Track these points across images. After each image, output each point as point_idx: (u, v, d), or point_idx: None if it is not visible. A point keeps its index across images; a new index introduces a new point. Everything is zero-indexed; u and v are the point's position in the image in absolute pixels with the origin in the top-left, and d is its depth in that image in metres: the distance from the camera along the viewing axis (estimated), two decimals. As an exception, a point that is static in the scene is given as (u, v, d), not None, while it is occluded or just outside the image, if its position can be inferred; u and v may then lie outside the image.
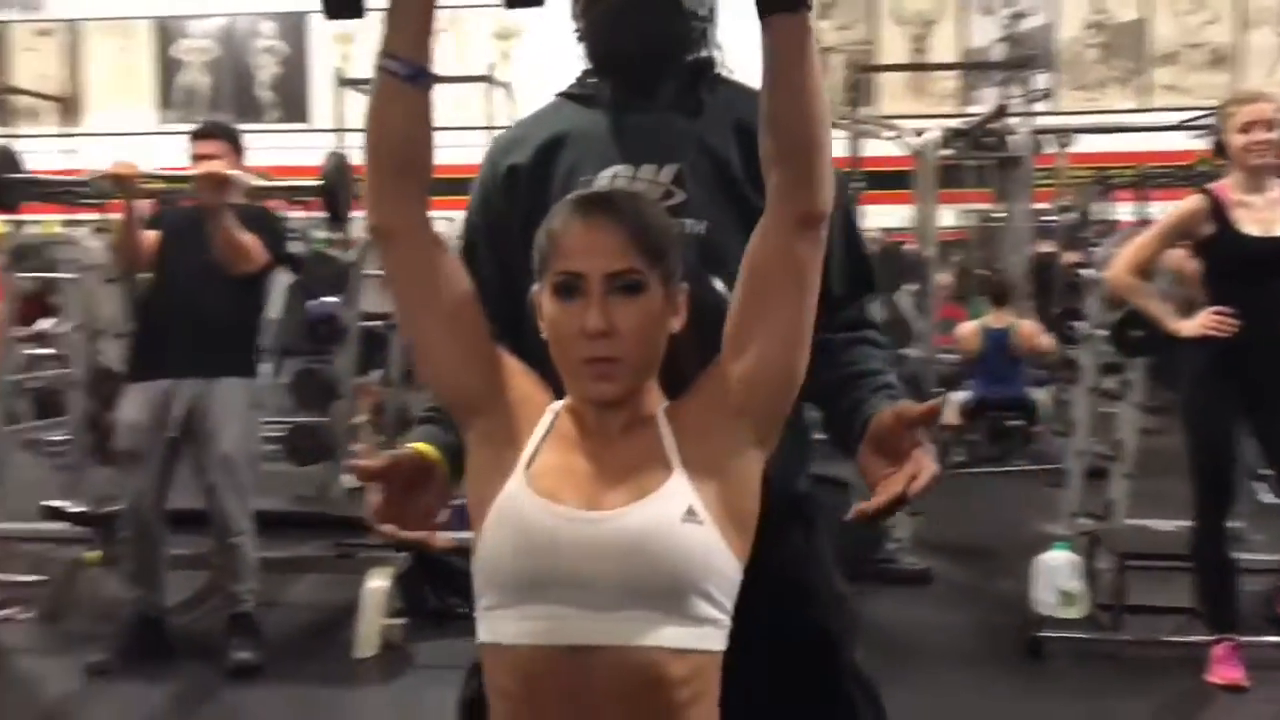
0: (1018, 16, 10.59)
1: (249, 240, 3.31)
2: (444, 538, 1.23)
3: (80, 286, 5.03)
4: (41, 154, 9.97)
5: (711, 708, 1.14)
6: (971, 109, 9.89)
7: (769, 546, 1.42)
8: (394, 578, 3.57)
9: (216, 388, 3.39)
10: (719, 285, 1.33)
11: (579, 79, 1.55)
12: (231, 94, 12.15)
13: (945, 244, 8.15)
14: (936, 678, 3.37)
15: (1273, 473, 3.50)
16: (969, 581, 4.38)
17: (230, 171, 3.29)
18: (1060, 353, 6.54)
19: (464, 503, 1.20)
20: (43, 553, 4.34)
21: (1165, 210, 3.61)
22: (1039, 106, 9.09)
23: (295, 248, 5.65)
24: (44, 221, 9.68)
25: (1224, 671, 3.16)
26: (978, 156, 7.77)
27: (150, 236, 3.43)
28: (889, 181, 8.70)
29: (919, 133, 7.26)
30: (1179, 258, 3.77)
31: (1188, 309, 3.32)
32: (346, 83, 8.95)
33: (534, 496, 1.13)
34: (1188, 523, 3.28)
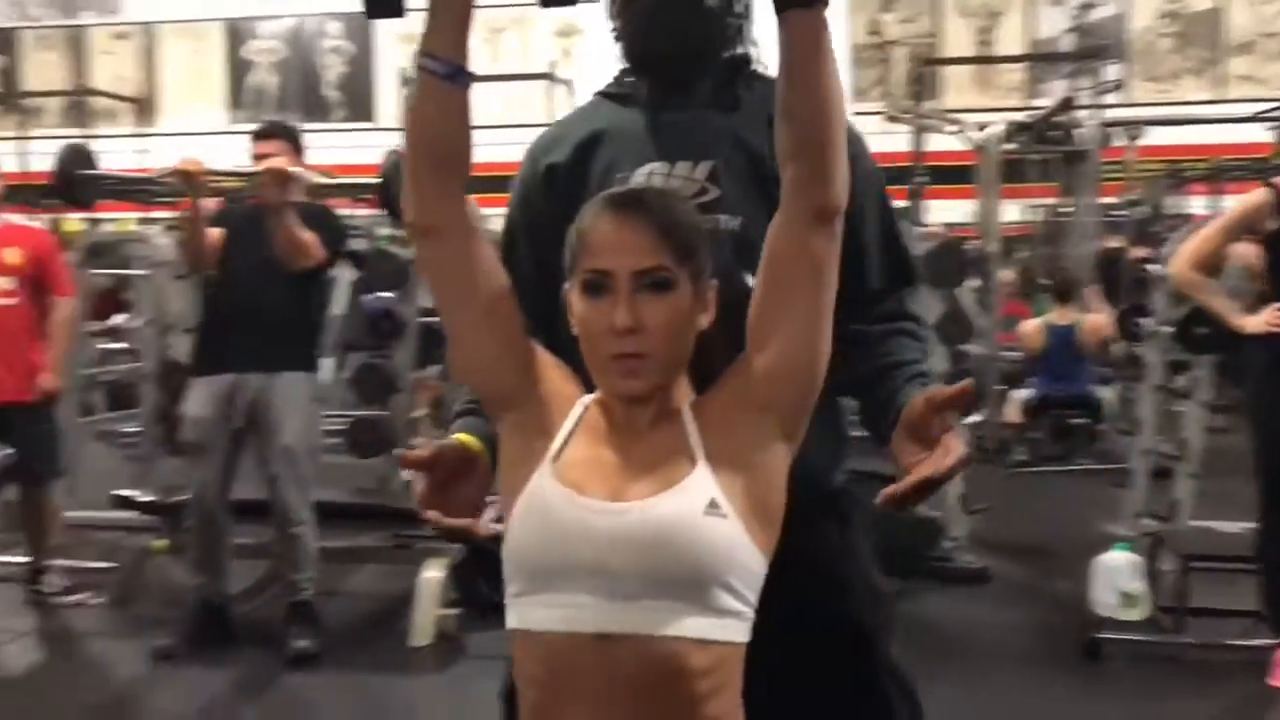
0: (1087, 6, 10.42)
1: (308, 237, 3.37)
2: (486, 526, 1.26)
3: (151, 282, 5.19)
4: (118, 154, 10.28)
5: (734, 699, 1.15)
6: (1039, 102, 9.71)
7: (803, 540, 1.43)
8: (449, 569, 3.63)
9: (278, 382, 3.46)
10: (751, 281, 1.34)
11: (616, 78, 1.57)
12: (299, 94, 12.37)
13: (1009, 239, 8.05)
14: (991, 677, 3.33)
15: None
16: (1027, 581, 4.32)
17: (291, 169, 3.36)
18: (1126, 350, 6.42)
19: None
20: (114, 540, 4.47)
21: None
22: (1109, 99, 8.94)
23: (358, 245, 5.77)
24: (120, 220, 9.96)
25: (1288, 676, 3.09)
26: (1042, 150, 7.65)
27: (214, 234, 3.50)
28: (952, 176, 8.62)
29: (982, 127, 7.18)
30: (1250, 252, 3.68)
31: (1260, 305, 3.24)
32: (411, 82, 9.06)
33: (560, 487, 1.15)
34: (1253, 524, 3.21)
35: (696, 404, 1.21)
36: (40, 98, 12.17)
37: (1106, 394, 6.52)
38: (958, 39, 11.82)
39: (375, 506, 4.26)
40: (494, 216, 1.25)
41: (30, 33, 13.03)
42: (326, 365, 5.41)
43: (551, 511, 1.14)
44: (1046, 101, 8.28)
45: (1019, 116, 7.51)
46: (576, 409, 1.23)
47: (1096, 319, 6.52)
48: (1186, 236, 3.94)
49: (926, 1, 11.81)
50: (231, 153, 3.53)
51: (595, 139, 1.50)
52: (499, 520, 1.28)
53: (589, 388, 1.24)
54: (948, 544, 4.37)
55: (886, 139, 9.21)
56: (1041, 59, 11.25)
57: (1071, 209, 7.86)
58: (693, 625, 1.10)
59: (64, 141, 4.71)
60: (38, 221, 5.85)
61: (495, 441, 1.29)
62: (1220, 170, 8.57)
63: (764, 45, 1.54)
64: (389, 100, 11.74)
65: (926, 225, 7.61)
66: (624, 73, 1.55)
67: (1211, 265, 3.29)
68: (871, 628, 1.50)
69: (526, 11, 10.43)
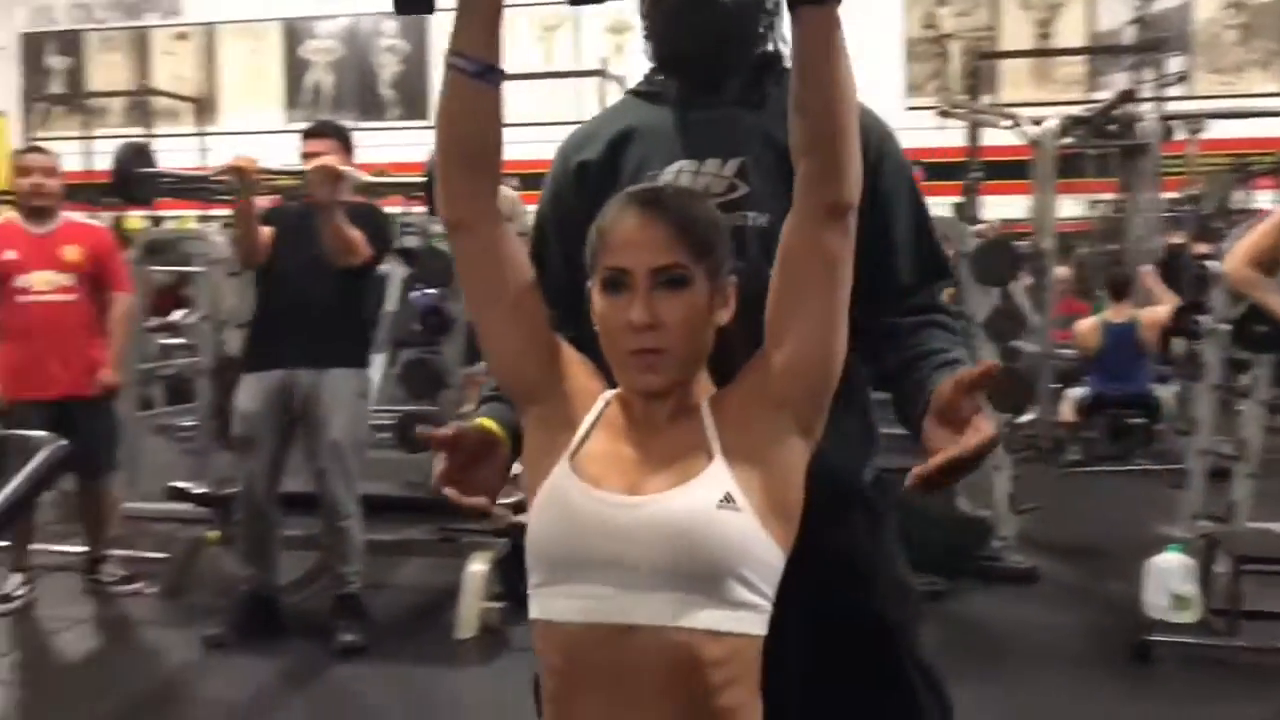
0: (1150, -2, 10.20)
1: (356, 235, 3.41)
2: (500, 508, 1.28)
3: (208, 279, 5.30)
4: (180, 152, 10.51)
5: (750, 689, 1.16)
6: (1099, 95, 9.55)
7: (831, 536, 1.43)
8: (493, 563, 3.66)
9: (326, 378, 3.51)
10: None
11: (647, 76, 1.58)
12: (354, 92, 12.54)
13: (1065, 236, 7.92)
14: (1037, 678, 3.29)
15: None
16: (1077, 582, 4.25)
17: (341, 168, 3.40)
18: (1185, 348, 6.29)
19: None
20: (170, 532, 4.57)
21: None
22: (1172, 91, 8.75)
23: (411, 242, 5.84)
24: (181, 217, 10.17)
25: (1345, 682, 3.02)
26: (1100, 145, 7.52)
27: (265, 232, 3.55)
28: (1008, 171, 8.50)
29: (1037, 121, 7.07)
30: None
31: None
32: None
33: (578, 481, 1.16)
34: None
35: (715, 399, 1.21)
36: (104, 98, 12.47)
37: (1165, 393, 6.39)
38: (1016, 32, 11.66)
39: (423, 500, 4.29)
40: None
41: (95, 35, 13.36)
42: (378, 361, 5.49)
43: (569, 504, 1.16)
44: (1107, 95, 8.14)
45: (1076, 111, 7.38)
46: (598, 404, 1.24)
47: (1156, 311, 6.37)
48: (1244, 233, 3.86)
49: (984, -6, 11.67)
50: (288, 151, 3.58)
51: (626, 136, 1.51)
52: (519, 506, 1.30)
53: (613, 383, 1.25)
54: (997, 543, 4.32)
55: (941, 134, 9.16)
56: (1102, 52, 11.07)
57: (1129, 204, 7.71)
58: (707, 617, 1.11)
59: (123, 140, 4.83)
60: (100, 219, 6.00)
61: (518, 429, 1.31)
62: (1286, 164, 8.38)
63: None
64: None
65: (981, 221, 7.54)
66: (654, 71, 1.56)
67: (1269, 262, 3.22)
68: (898, 622, 1.50)
69: (579, 8, 10.48)
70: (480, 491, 1.27)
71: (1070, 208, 8.59)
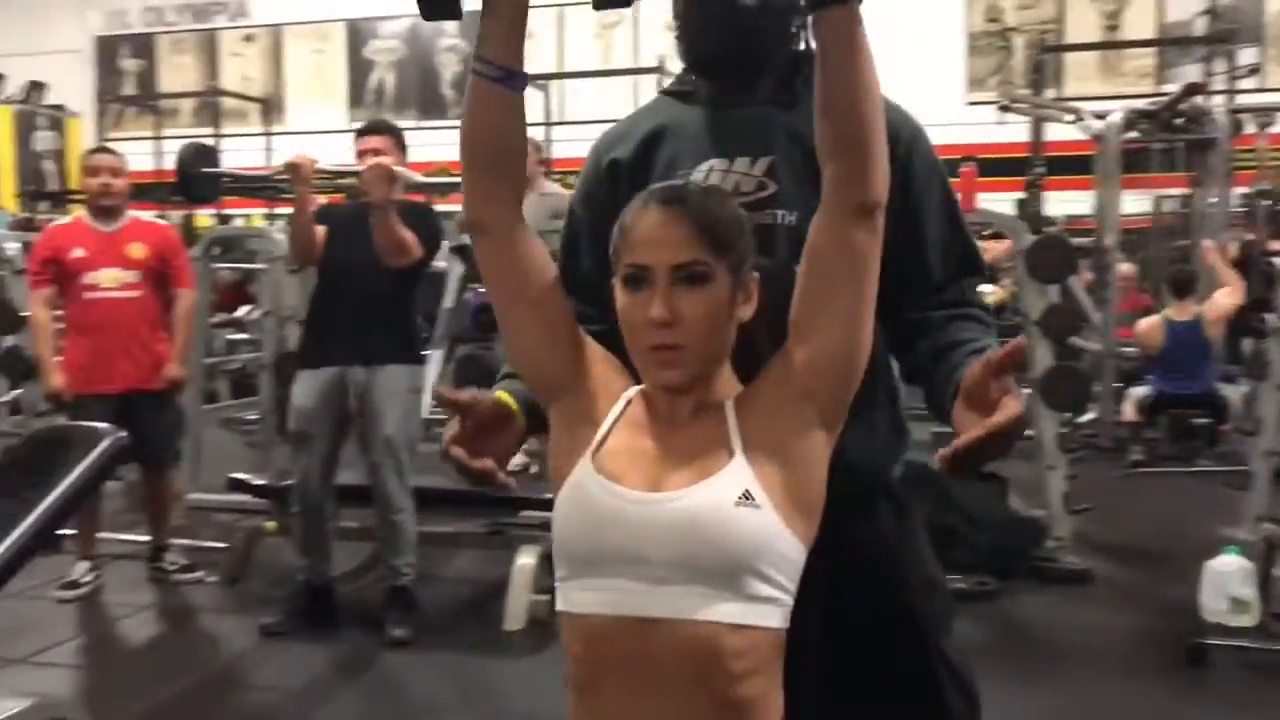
0: (1222, -12, 9.97)
1: (408, 235, 3.45)
2: (506, 476, 1.30)
3: (270, 276, 5.42)
4: (247, 152, 10.74)
5: (770, 680, 1.17)
6: (1168, 88, 9.35)
7: (860, 530, 1.44)
8: (542, 556, 3.70)
9: (380, 375, 3.56)
10: None
11: (680, 76, 1.60)
12: (417, 92, 12.69)
13: (1130, 232, 7.77)
14: (1089, 681, 3.24)
15: None
16: (1132, 584, 4.18)
17: (395, 167, 3.45)
18: (1251, 347, 6.15)
19: None
20: (230, 522, 4.69)
21: None
22: (1244, 84, 8.54)
23: (469, 240, 5.91)
24: (248, 216, 10.40)
25: None
26: (1166, 139, 7.36)
27: (319, 231, 3.62)
28: (1072, 167, 8.36)
29: (1101, 115, 6.94)
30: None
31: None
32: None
33: (599, 478, 1.18)
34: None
35: (740, 396, 1.23)
36: (174, 99, 12.78)
37: (1232, 393, 6.25)
38: (1082, 24, 11.45)
39: (474, 494, 4.34)
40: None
41: (166, 38, 13.68)
42: (435, 357, 5.57)
43: (590, 500, 1.18)
44: (1176, 88, 7.98)
45: (1141, 104, 7.23)
46: (621, 401, 1.26)
47: (1216, 303, 6.20)
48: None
49: (1048, -14, 11.48)
50: (352, 151, 3.65)
51: (658, 135, 1.53)
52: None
53: (639, 380, 1.27)
54: (1051, 544, 4.27)
55: (1003, 130, 9.04)
56: (1170, 44, 10.82)
57: (1197, 200, 7.54)
58: (727, 611, 1.13)
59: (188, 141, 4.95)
60: (169, 218, 6.16)
61: (531, 405, 1.34)
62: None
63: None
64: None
65: (1046, 218, 7.43)
66: (686, 71, 1.58)
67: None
68: (925, 617, 1.49)
69: (637, 6, 10.49)
70: (489, 457, 1.29)
71: (1136, 204, 8.43)
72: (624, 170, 1.53)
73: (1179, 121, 7.11)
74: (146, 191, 7.29)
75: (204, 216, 9.35)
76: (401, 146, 3.65)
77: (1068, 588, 4.08)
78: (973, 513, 4.15)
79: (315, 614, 3.67)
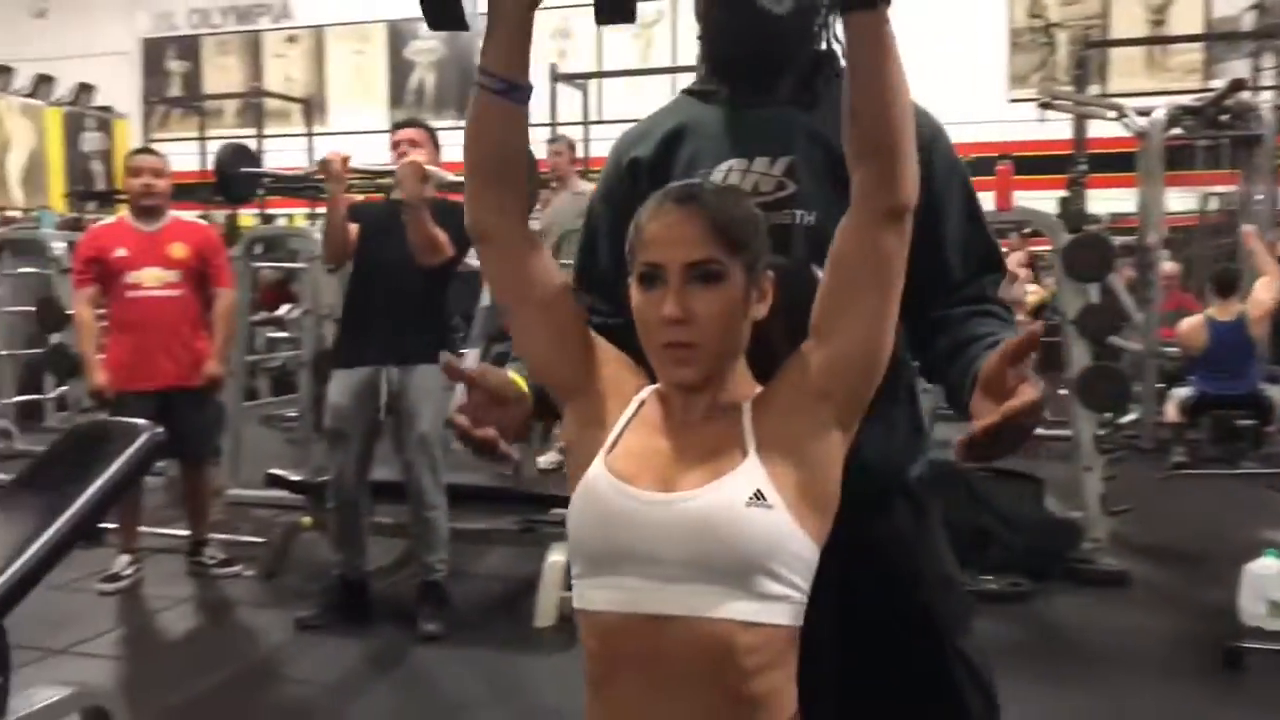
0: (1271, -18, 9.79)
1: (440, 234, 3.47)
2: (506, 447, 1.31)
3: (310, 275, 5.48)
4: (289, 152, 10.86)
5: (783, 676, 1.18)
6: (1216, 84, 9.21)
7: (878, 529, 1.45)
8: (573, 554, 3.72)
9: (413, 374, 3.59)
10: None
11: (701, 76, 1.60)
12: (456, 92, 12.76)
13: (1174, 230, 7.66)
14: (1124, 683, 3.21)
15: None
16: (1169, 586, 4.13)
17: (428, 166, 3.49)
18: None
19: None
20: (268, 517, 4.75)
21: None
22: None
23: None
24: (291, 215, 10.52)
25: None
26: (1211, 136, 7.25)
27: (351, 229, 3.65)
28: (1117, 164, 8.26)
29: (1145, 112, 6.85)
30: None
31: None
32: (561, 78, 9.25)
33: (611, 478, 1.19)
34: None
35: (757, 398, 1.23)
36: (218, 100, 12.96)
37: (1276, 393, 6.14)
38: (1128, 19, 11.30)
39: (506, 491, 4.40)
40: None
41: (211, 39, 13.87)
42: (472, 355, 5.61)
43: (602, 501, 1.19)
44: (1222, 84, 7.85)
45: (1185, 100, 7.12)
46: (635, 401, 1.27)
47: (1259, 299, 6.05)
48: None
49: (1093, -18, 11.34)
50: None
51: (678, 134, 1.54)
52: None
53: (655, 379, 1.28)
54: (1088, 545, 4.22)
55: (1044, 127, 8.93)
56: (1217, 39, 10.65)
57: (1245, 198, 7.41)
58: (739, 609, 1.13)
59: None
60: (213, 217, 6.25)
61: (544, 393, 1.34)
62: None
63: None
64: (541, 96, 12.00)
65: (1089, 216, 7.33)
66: (708, 70, 1.58)
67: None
68: (942, 616, 1.50)
69: (676, 3, 10.49)
70: (495, 429, 1.30)
71: (1181, 202, 8.31)
72: (644, 169, 1.54)
73: (1225, 118, 7.01)
74: (191, 191, 7.41)
75: (247, 216, 9.47)
76: (435, 145, 3.68)
77: (1104, 589, 4.03)
78: (1007, 513, 4.12)
79: (350, 608, 3.72)
